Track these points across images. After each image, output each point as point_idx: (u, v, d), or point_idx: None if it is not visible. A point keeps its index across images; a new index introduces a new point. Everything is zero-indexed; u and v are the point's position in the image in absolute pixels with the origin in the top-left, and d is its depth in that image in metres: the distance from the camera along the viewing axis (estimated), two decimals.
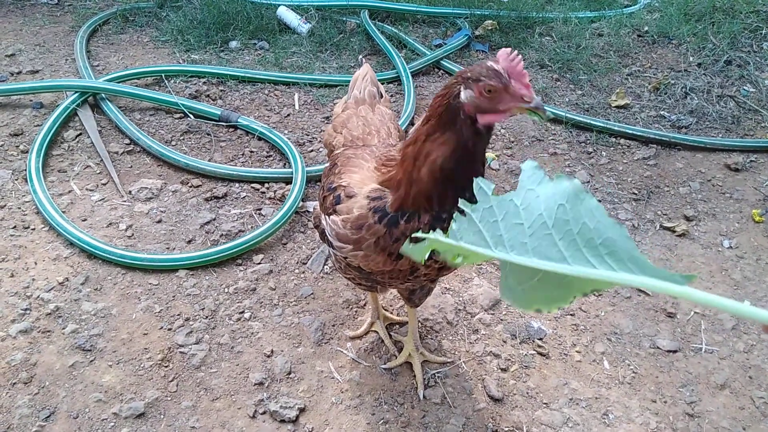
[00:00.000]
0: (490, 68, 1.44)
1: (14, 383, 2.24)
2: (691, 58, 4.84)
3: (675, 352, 2.56)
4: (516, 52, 1.45)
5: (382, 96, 2.32)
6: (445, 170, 1.54)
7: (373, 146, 1.98)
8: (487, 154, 3.59)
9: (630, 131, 3.94)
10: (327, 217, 1.83)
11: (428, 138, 1.56)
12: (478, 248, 0.94)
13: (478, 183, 0.96)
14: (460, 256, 1.07)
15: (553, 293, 0.86)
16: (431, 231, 1.62)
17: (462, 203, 0.99)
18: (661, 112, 4.25)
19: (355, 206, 1.69)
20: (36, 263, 2.74)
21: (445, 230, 1.60)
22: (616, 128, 3.96)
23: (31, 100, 3.80)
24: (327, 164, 2.10)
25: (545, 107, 1.45)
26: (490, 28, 5.11)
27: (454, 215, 0.99)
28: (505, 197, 0.92)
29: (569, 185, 0.84)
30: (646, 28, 5.33)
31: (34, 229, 2.92)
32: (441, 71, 4.64)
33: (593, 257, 0.82)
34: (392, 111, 2.32)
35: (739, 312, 0.73)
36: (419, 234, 1.14)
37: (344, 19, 5.05)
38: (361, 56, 3.26)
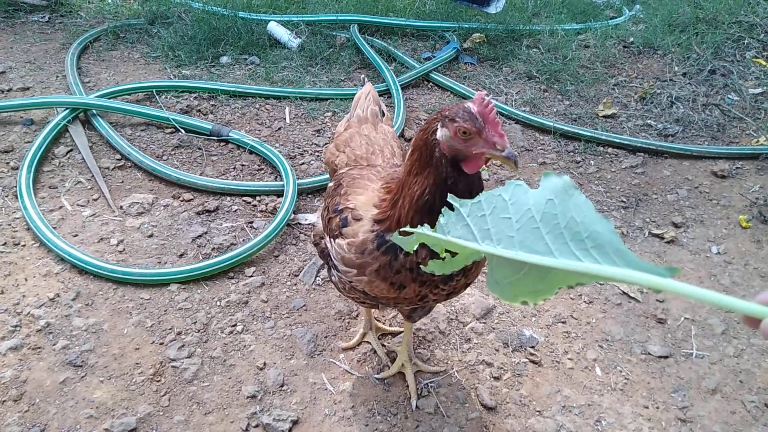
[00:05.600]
0: (466, 110, 1.43)
1: (3, 401, 2.22)
2: (676, 68, 4.92)
3: (666, 357, 2.58)
4: (489, 97, 1.44)
5: (384, 114, 2.32)
6: (425, 203, 1.54)
7: (378, 166, 1.97)
8: None
9: (617, 140, 3.99)
10: (332, 240, 1.80)
11: (411, 172, 1.58)
12: (465, 242, 0.94)
13: (451, 200, 0.98)
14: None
15: (538, 286, 0.87)
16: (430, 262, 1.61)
17: (451, 198, 1.00)
18: (648, 121, 4.32)
19: (361, 230, 1.68)
20: (26, 279, 2.73)
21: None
22: (603, 137, 4.01)
23: (21, 117, 3.81)
24: (331, 184, 2.08)
25: (518, 158, 1.43)
26: (478, 40, 5.18)
27: (443, 210, 0.99)
28: (494, 192, 0.93)
29: (558, 181, 0.85)
30: (631, 39, 5.42)
31: (24, 246, 2.91)
32: (430, 84, 4.69)
33: (579, 250, 0.82)
34: (393, 130, 2.33)
35: (721, 303, 0.74)
36: (407, 228, 1.15)
37: (334, 33, 5.11)
38: (363, 75, 3.31)
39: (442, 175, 1.52)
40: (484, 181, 3.43)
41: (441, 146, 1.49)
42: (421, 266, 1.42)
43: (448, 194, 1.48)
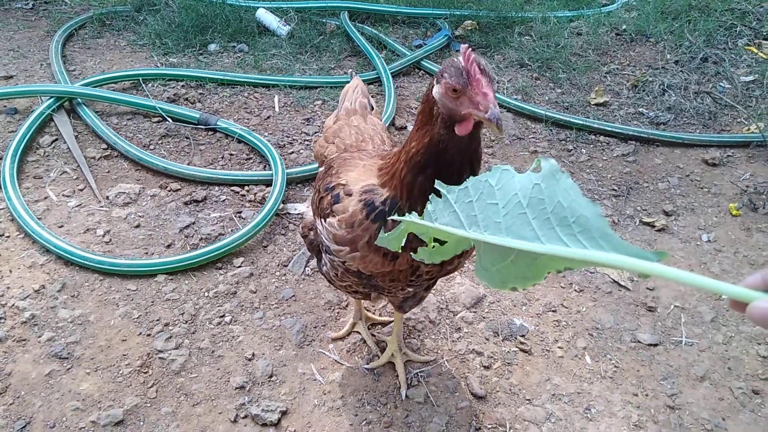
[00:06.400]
0: (454, 65, 1.33)
1: None
2: (668, 56, 4.90)
3: (656, 345, 2.58)
4: (470, 50, 1.32)
5: (372, 108, 2.30)
6: (416, 164, 1.48)
7: (369, 149, 1.95)
8: None
9: (609, 128, 3.97)
10: (323, 221, 1.77)
11: (414, 128, 1.53)
12: (453, 229, 0.93)
13: (437, 186, 0.96)
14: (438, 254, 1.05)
15: (526, 272, 0.86)
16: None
17: (438, 184, 0.98)
18: (640, 109, 4.30)
19: (350, 204, 1.65)
20: (11, 271, 2.69)
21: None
22: (595, 126, 3.99)
23: (5, 106, 3.74)
24: (321, 169, 2.05)
25: (502, 121, 1.29)
26: (469, 28, 5.13)
27: (430, 197, 0.97)
28: (481, 177, 0.92)
29: (545, 165, 0.84)
30: (624, 27, 5.39)
31: (8, 237, 2.86)
32: (421, 72, 4.64)
33: (566, 236, 0.82)
34: (382, 122, 2.30)
35: (708, 287, 0.74)
36: (395, 217, 1.11)
37: (324, 20, 5.05)
38: (351, 70, 3.28)
39: (435, 137, 1.44)
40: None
41: (438, 105, 1.41)
42: (411, 253, 1.38)
43: (442, 165, 1.45)
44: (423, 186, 1.49)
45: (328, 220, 1.73)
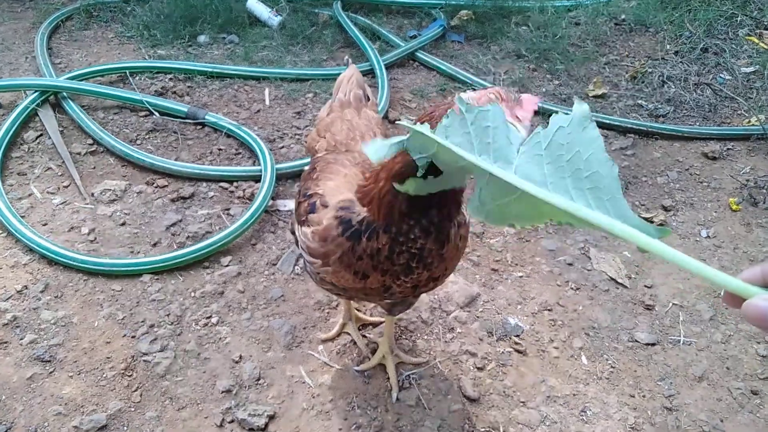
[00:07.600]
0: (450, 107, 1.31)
1: None
2: (668, 46, 4.81)
3: (653, 345, 2.53)
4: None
5: (369, 99, 2.21)
6: (402, 211, 1.44)
7: (356, 152, 1.89)
8: None
9: (608, 121, 3.90)
10: (299, 227, 1.73)
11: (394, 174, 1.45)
12: (462, 151, 0.89)
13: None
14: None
15: (527, 212, 0.83)
16: (390, 252, 1.54)
17: (458, 100, 0.93)
18: (639, 101, 4.22)
19: (325, 217, 1.61)
20: None
21: (401, 255, 1.53)
22: (593, 118, 3.91)
23: None
24: (307, 168, 2.01)
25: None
26: (465, 18, 5.03)
27: (449, 111, 0.93)
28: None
29: (577, 109, 0.82)
30: (623, 17, 5.29)
31: None
32: (416, 63, 4.55)
33: (574, 189, 0.79)
34: (379, 116, 2.22)
35: (703, 273, 0.70)
36: (403, 122, 1.06)
37: (316, 11, 4.94)
38: (347, 56, 3.16)
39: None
40: None
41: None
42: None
43: (429, 206, 1.38)
44: (401, 208, 1.44)
45: (302, 228, 1.69)
